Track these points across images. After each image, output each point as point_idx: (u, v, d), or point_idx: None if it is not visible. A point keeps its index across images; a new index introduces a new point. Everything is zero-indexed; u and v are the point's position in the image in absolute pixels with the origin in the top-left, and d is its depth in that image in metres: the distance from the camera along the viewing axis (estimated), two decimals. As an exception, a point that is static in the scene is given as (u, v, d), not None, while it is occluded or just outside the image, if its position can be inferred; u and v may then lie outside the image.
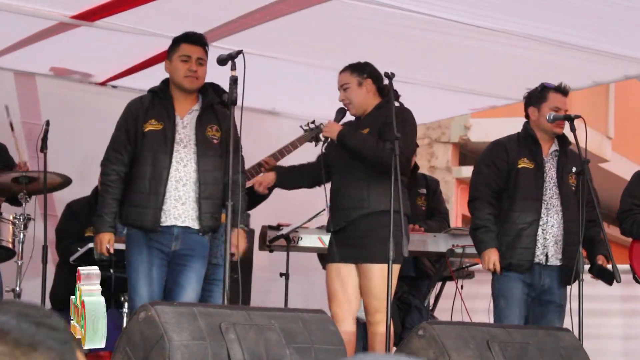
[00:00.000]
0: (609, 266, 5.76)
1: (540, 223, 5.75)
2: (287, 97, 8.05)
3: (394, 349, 5.21)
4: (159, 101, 5.42)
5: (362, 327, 6.18)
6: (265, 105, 8.10)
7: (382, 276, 5.43)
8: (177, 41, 5.46)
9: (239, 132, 5.11)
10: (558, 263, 5.77)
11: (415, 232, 6.74)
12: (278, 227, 6.65)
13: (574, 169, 5.89)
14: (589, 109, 13.27)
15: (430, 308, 7.11)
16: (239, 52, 5.10)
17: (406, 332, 6.39)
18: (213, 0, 6.03)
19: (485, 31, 6.53)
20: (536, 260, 5.74)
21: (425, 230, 6.81)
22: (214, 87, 6.05)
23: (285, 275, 6.77)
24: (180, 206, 5.31)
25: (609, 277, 5.85)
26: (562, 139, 5.93)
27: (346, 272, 5.53)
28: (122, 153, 5.38)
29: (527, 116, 5.99)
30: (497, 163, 5.86)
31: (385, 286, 5.35)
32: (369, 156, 5.45)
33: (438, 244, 6.69)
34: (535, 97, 5.91)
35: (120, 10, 6.37)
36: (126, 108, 5.51)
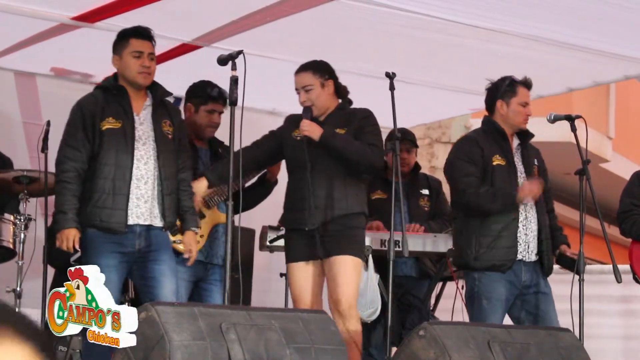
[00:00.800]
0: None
1: (520, 219, 5.72)
2: (288, 98, 8.03)
3: (394, 349, 5.20)
4: (112, 98, 5.31)
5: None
6: (266, 106, 8.10)
7: (353, 267, 5.42)
8: (125, 36, 5.37)
9: (240, 132, 5.08)
10: (534, 258, 5.76)
11: (415, 232, 6.74)
12: (278, 228, 6.64)
13: (535, 162, 5.88)
14: (590, 109, 13.26)
15: (431, 308, 7.10)
16: (240, 52, 5.06)
17: (406, 332, 6.38)
18: (213, 1, 6.04)
19: (486, 31, 6.54)
20: (519, 257, 5.71)
21: (426, 230, 6.80)
22: (210, 85, 6.05)
23: (286, 275, 6.76)
24: (142, 204, 5.24)
25: (575, 266, 5.81)
26: (524, 133, 5.90)
27: (314, 272, 5.48)
28: (80, 150, 5.24)
29: (490, 109, 5.91)
30: (475, 159, 5.77)
31: (355, 280, 5.40)
32: (355, 158, 5.45)
33: (438, 244, 6.68)
34: (504, 91, 5.84)
35: (121, 12, 6.37)
36: (78, 106, 5.32)
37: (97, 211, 5.18)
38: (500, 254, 5.67)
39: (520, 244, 5.70)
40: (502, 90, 5.83)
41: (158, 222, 5.25)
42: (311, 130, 5.50)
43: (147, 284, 5.24)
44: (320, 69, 5.63)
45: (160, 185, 5.23)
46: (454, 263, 6.03)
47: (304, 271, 5.52)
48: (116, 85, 5.33)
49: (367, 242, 6.01)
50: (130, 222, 5.20)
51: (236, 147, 5.01)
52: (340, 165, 5.49)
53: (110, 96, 5.31)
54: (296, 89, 5.66)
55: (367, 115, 5.62)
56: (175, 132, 5.37)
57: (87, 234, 5.21)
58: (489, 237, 5.68)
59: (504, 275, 5.69)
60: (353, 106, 5.74)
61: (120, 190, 5.18)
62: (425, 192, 7.08)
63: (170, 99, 5.62)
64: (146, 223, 5.22)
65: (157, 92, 5.37)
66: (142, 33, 5.35)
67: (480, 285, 5.73)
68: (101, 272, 5.11)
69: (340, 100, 5.69)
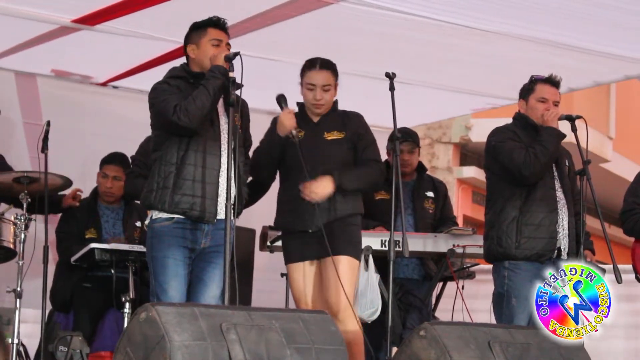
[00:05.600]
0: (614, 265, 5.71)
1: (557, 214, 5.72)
2: (288, 98, 8.05)
3: (395, 349, 5.20)
4: (192, 88, 5.13)
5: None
6: (265, 106, 8.10)
7: (349, 268, 5.43)
8: (204, 25, 5.22)
9: (236, 132, 5.06)
10: (565, 257, 5.75)
11: (416, 233, 6.75)
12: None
13: (567, 162, 5.87)
14: (590, 109, 13.28)
15: (432, 308, 7.10)
16: (237, 53, 5.03)
17: (407, 332, 6.38)
18: (213, 5, 6.03)
19: (487, 33, 6.54)
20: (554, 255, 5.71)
21: None
22: None
23: (287, 275, 6.76)
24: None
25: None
26: None
27: (314, 272, 5.47)
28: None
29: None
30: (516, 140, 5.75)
31: (350, 281, 5.42)
32: (364, 188, 5.61)
33: (439, 244, 6.68)
34: (525, 90, 5.86)
35: (121, 15, 6.38)
36: (168, 85, 5.16)
37: (186, 199, 5.07)
38: (541, 244, 5.66)
39: (558, 239, 5.70)
40: (523, 90, 5.86)
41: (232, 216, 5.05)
42: (322, 193, 5.40)
43: (194, 284, 5.14)
44: (336, 71, 5.59)
45: (239, 178, 5.11)
46: (486, 256, 5.92)
47: (304, 271, 5.52)
48: (196, 74, 5.17)
49: (367, 242, 6.00)
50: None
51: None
52: (339, 167, 5.49)
53: (190, 86, 5.14)
54: (310, 84, 5.55)
55: (363, 123, 5.61)
56: (243, 125, 5.29)
57: (154, 228, 5.13)
58: (530, 226, 5.67)
59: (537, 271, 5.65)
60: (352, 107, 5.73)
61: (211, 180, 5.10)
62: (430, 194, 7.06)
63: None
64: (220, 217, 5.07)
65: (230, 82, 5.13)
66: (220, 24, 5.24)
67: (510, 283, 5.69)
68: (168, 266, 5.05)
69: None
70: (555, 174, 5.81)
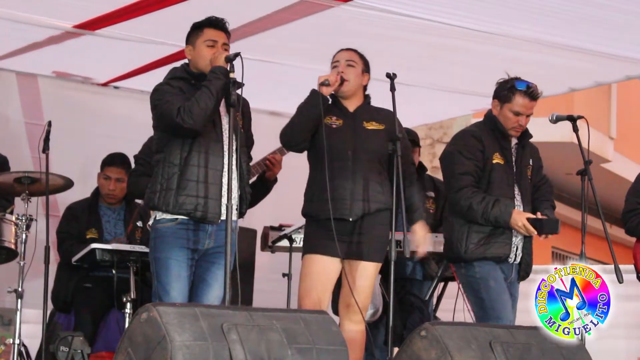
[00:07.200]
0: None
1: None
2: (289, 100, 8.05)
3: (396, 349, 5.20)
4: (193, 88, 5.13)
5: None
6: (266, 106, 8.12)
7: (375, 273, 5.44)
8: (200, 26, 5.23)
9: (236, 133, 5.06)
10: (519, 260, 5.77)
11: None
12: (280, 228, 6.65)
13: (530, 161, 5.86)
14: (591, 109, 13.27)
15: (433, 308, 7.10)
16: (237, 54, 5.03)
17: (408, 332, 6.38)
18: (214, 10, 6.06)
19: (488, 35, 6.54)
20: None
21: None
22: None
23: (288, 275, 6.77)
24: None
25: (541, 226, 5.67)
26: (523, 133, 5.85)
27: (334, 268, 5.40)
28: None
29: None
30: (475, 155, 5.70)
31: (373, 285, 5.40)
32: None
33: (440, 244, 6.68)
34: (502, 95, 5.77)
35: (121, 20, 6.38)
36: (169, 86, 5.16)
37: (190, 200, 5.07)
38: (494, 248, 5.66)
39: (512, 245, 5.71)
40: (501, 91, 5.80)
41: (234, 216, 5.10)
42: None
43: (197, 284, 5.15)
44: (366, 61, 5.59)
45: (241, 180, 5.14)
46: (446, 256, 5.96)
47: (323, 266, 5.40)
48: (197, 76, 5.17)
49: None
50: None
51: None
52: (377, 158, 5.48)
53: (191, 87, 5.15)
54: (335, 62, 5.53)
55: (398, 122, 5.53)
56: (245, 125, 5.30)
57: (158, 229, 5.11)
58: (483, 233, 5.68)
59: (498, 265, 5.67)
60: None
61: (214, 181, 5.09)
62: (431, 194, 7.05)
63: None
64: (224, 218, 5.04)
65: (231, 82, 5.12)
66: (217, 23, 5.22)
67: (481, 270, 5.68)
68: (171, 266, 5.05)
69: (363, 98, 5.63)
70: (515, 177, 5.79)
